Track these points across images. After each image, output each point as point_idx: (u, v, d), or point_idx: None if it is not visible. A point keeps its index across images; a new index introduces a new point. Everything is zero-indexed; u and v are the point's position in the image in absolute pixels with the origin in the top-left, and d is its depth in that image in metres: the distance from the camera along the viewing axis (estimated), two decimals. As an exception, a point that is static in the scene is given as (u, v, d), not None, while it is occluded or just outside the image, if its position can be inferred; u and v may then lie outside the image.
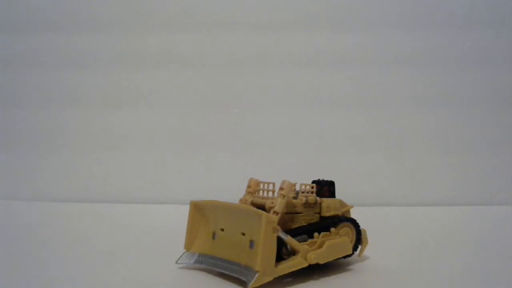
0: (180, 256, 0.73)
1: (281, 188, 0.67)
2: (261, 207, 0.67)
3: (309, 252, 0.66)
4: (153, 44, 1.43)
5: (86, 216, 1.21)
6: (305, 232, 0.69)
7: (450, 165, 1.39)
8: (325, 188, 0.76)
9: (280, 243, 0.63)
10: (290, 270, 0.64)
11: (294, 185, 0.69)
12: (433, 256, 0.82)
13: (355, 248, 0.74)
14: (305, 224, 0.70)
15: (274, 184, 0.71)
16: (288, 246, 0.65)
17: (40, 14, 1.44)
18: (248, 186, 0.72)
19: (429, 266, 0.75)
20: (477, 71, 1.39)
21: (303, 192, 0.71)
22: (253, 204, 0.69)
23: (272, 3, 1.42)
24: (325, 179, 0.77)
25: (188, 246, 0.73)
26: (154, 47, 1.43)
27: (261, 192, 0.72)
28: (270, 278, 0.61)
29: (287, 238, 0.64)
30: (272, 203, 0.66)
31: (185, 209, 0.74)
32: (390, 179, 1.39)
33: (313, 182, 0.75)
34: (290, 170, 1.33)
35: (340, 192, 0.78)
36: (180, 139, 1.42)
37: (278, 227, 0.62)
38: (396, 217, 1.21)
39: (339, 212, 0.74)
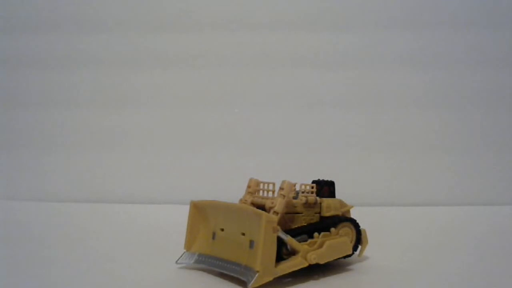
0: (180, 256, 0.73)
1: (281, 188, 0.67)
2: (261, 207, 0.67)
3: (309, 252, 0.66)
4: (153, 44, 1.43)
5: (86, 216, 1.21)
6: (305, 232, 0.69)
7: (450, 165, 1.39)
8: (325, 188, 0.76)
9: (280, 243, 0.63)
10: (290, 270, 0.63)
11: (294, 185, 0.69)
12: (433, 256, 0.82)
13: (355, 248, 0.74)
14: (305, 224, 0.70)
15: (274, 184, 0.71)
16: (288, 246, 0.65)
17: (40, 14, 1.44)
18: (248, 186, 0.72)
19: (429, 266, 0.75)
20: (477, 71, 1.39)
21: (303, 192, 0.71)
22: (253, 204, 0.69)
23: (272, 3, 1.42)
24: (325, 179, 0.77)
25: (188, 246, 0.73)
26: (154, 47, 1.43)
27: (261, 192, 0.72)
28: (270, 278, 0.61)
29: (287, 238, 0.64)
30: (272, 203, 0.66)
31: (185, 209, 0.74)
32: (390, 179, 1.39)
33: (313, 182, 0.75)
34: (290, 170, 1.32)
35: (340, 192, 0.78)
36: (180, 139, 1.42)
37: (278, 227, 0.62)
38: (396, 217, 1.21)
39: (339, 212, 0.74)
